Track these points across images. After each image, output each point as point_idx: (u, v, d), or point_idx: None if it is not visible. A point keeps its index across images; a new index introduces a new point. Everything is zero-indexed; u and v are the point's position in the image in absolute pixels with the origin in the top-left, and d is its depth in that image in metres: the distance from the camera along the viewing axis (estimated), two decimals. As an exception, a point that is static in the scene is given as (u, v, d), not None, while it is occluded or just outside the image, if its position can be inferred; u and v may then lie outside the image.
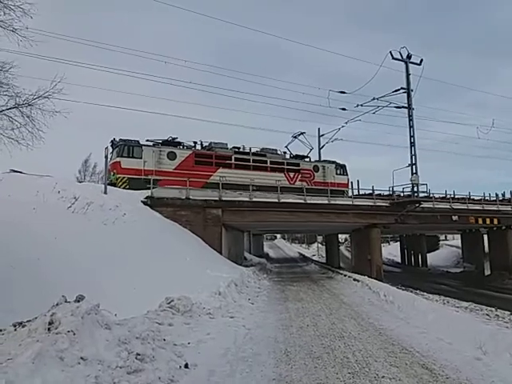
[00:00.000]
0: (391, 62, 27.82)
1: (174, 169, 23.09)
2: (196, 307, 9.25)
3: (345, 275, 21.32)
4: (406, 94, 27.75)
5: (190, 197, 20.37)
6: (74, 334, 4.60)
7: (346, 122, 33.39)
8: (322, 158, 34.16)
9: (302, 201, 23.44)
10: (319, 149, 37.30)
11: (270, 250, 66.27)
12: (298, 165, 28.17)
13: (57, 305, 5.29)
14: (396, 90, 27.90)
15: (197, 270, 13.67)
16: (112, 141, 23.17)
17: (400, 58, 27.70)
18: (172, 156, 23.42)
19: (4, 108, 7.60)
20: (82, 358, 4.45)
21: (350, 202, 25.21)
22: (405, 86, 27.79)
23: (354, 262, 29.18)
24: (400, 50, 27.66)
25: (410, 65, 27.94)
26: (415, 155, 26.88)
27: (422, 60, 28.07)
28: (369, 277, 18.84)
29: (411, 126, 27.32)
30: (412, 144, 27.06)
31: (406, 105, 27.72)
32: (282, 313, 10.90)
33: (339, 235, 44.89)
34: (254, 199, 22.03)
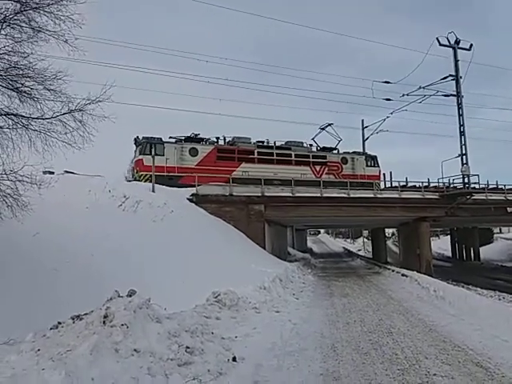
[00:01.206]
0: (437, 48, 26.71)
1: (196, 165, 23.03)
2: (242, 301, 9.39)
3: (392, 270, 20.82)
4: (454, 82, 26.57)
5: (234, 193, 20.62)
6: (128, 327, 4.82)
7: (392, 113, 32.47)
8: (367, 151, 33.31)
9: (345, 195, 23.04)
10: (363, 141, 36.58)
11: (313, 244, 65.77)
12: (324, 157, 27.32)
13: (110, 299, 5.56)
14: (444, 78, 26.75)
15: (241, 265, 13.84)
16: (135, 139, 23.46)
17: (447, 44, 26.50)
18: (194, 152, 23.40)
19: (58, 114, 7.99)
20: (135, 350, 4.65)
21: (397, 195, 24.50)
22: (453, 72, 26.61)
23: (402, 257, 28.38)
24: (447, 35, 26.46)
25: (459, 51, 26.66)
26: (465, 145, 25.75)
27: (471, 45, 26.68)
28: (418, 272, 18.27)
29: (460, 115, 26.13)
30: (462, 133, 25.91)
31: (455, 92, 26.55)
32: (327, 308, 10.83)
33: (386, 229, 43.78)
34: (297, 194, 21.93)
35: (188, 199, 19.48)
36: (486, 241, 47.71)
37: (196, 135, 24.69)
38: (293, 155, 26.23)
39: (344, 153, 28.67)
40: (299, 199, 21.87)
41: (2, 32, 7.30)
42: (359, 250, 56.03)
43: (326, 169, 26.93)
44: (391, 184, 28.42)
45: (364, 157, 28.86)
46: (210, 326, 6.81)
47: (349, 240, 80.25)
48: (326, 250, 61.48)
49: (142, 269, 10.12)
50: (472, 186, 25.57)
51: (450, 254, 49.14)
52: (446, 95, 27.15)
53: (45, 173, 13.18)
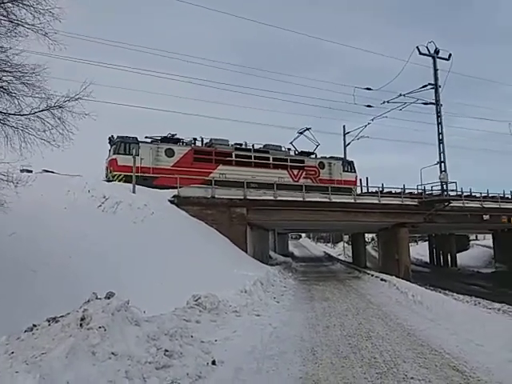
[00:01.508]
0: (418, 57, 27.31)
1: (172, 166, 22.59)
2: (222, 305, 9.33)
3: (372, 275, 21.01)
4: (433, 90, 27.13)
5: (216, 196, 20.53)
6: (105, 330, 4.73)
7: (372, 119, 33.01)
8: (348, 156, 33.67)
9: (327, 199, 23.23)
10: (344, 147, 36.92)
11: (295, 249, 66.01)
12: (302, 161, 27.40)
13: (88, 301, 5.44)
14: (423, 86, 27.31)
15: (223, 268, 13.77)
16: (110, 138, 22.87)
17: (427, 53, 27.05)
18: (170, 153, 22.97)
19: (37, 110, 7.82)
20: (112, 354, 4.56)
21: (377, 201, 24.83)
22: (432, 81, 27.18)
23: (381, 262, 28.72)
24: (427, 44, 27.04)
25: (438, 60, 27.26)
26: (444, 152, 26.27)
27: (450, 55, 27.35)
28: (396, 277, 18.49)
29: (439, 123, 26.68)
30: (440, 141, 26.43)
31: (434, 101, 27.10)
32: (308, 312, 10.85)
33: (366, 234, 44.25)
34: (279, 198, 22.00)
35: (169, 201, 19.29)
36: (462, 247, 48.72)
37: (173, 135, 24.20)
38: (271, 159, 26.11)
39: (321, 157, 28.73)
40: (281, 203, 21.93)
41: None
42: (339, 255, 56.49)
43: (304, 173, 26.93)
44: (367, 189, 28.79)
45: (341, 162, 28.94)
46: (190, 330, 6.74)
47: (329, 244, 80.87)
48: (307, 254, 61.80)
49: (121, 270, 9.99)
50: (450, 192, 26.11)
51: (427, 260, 50.04)
52: (425, 103, 27.71)
53: (22, 171, 12.91)
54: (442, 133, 26.47)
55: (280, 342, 7.22)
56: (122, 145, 21.93)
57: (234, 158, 24.86)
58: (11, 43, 7.50)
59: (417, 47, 26.90)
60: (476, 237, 56.94)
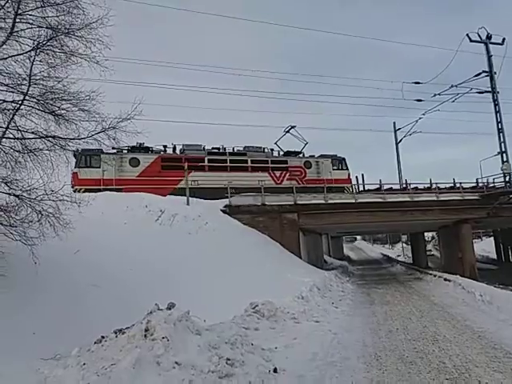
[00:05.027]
0: (470, 44, 25.99)
1: (138, 176, 21.97)
2: (280, 312, 9.30)
3: (434, 275, 20.14)
4: (488, 78, 25.71)
5: (266, 203, 20.62)
6: (168, 340, 4.85)
7: (424, 114, 31.84)
8: (401, 153, 32.64)
9: (380, 199, 22.62)
10: (396, 144, 35.96)
11: (350, 252, 64.58)
12: (285, 162, 25.93)
13: (151, 312, 5.62)
14: (477, 75, 26.00)
15: (278, 275, 13.75)
16: (74, 152, 22.33)
17: (479, 39, 25.72)
18: (135, 162, 22.29)
19: (93, 133, 8.26)
20: (176, 363, 4.67)
21: (435, 198, 23.82)
22: (486, 68, 25.77)
23: (444, 261, 27.42)
24: (478, 31, 25.68)
25: (492, 46, 25.80)
26: (505, 142, 24.81)
27: (504, 39, 25.83)
28: (461, 276, 17.60)
29: (497, 111, 25.21)
30: (500, 130, 24.95)
31: (490, 89, 25.66)
32: (368, 316, 10.57)
33: (426, 233, 42.47)
34: (330, 201, 21.70)
35: (222, 210, 19.64)
36: (533, 241, 45.36)
37: (141, 144, 23.29)
38: (249, 161, 24.95)
39: (308, 156, 27.18)
40: (332, 206, 21.64)
41: (37, 58, 7.65)
42: (398, 256, 54.58)
43: (288, 174, 25.51)
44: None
45: (330, 160, 27.06)
46: (250, 337, 6.76)
47: (387, 246, 78.37)
48: (363, 256, 60.28)
49: (179, 281, 10.25)
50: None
51: (494, 256, 47.08)
52: (480, 92, 26.41)
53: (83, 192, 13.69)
54: (501, 121, 25.01)
55: (342, 348, 7.07)
56: (83, 158, 20.98)
57: (206, 164, 23.88)
58: (66, 73, 8.00)
59: (467, 35, 25.69)
60: (548, 229, 52.84)
